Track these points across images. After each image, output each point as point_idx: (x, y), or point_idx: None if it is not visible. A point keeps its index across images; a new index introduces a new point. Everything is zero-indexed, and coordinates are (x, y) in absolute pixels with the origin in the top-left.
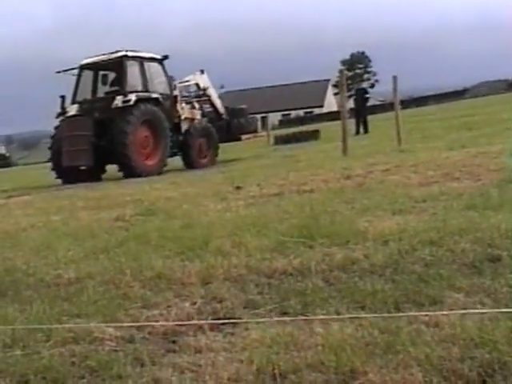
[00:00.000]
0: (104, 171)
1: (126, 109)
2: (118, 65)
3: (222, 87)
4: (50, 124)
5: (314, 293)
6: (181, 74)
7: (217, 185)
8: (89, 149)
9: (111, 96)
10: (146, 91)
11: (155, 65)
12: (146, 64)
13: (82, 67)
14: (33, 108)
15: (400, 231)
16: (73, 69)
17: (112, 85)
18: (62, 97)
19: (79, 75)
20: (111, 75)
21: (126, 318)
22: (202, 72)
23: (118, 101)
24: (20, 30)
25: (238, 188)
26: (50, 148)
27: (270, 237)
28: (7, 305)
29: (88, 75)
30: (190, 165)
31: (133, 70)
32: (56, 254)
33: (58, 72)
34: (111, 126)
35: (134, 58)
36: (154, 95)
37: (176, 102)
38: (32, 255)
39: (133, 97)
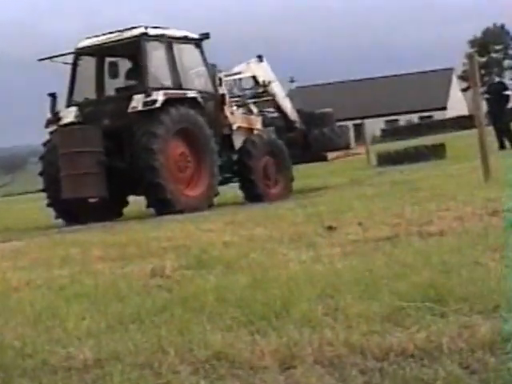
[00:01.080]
0: (125, 204)
1: (151, 114)
2: (133, 48)
3: (292, 81)
4: (39, 136)
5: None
6: (226, 62)
7: (297, 224)
8: (99, 172)
9: (126, 95)
10: (179, 88)
11: (190, 48)
12: (177, 47)
13: (80, 52)
14: (14, 116)
15: None
16: (66, 54)
17: (126, 78)
18: (53, 95)
19: (75, 64)
20: (124, 63)
21: None
22: (261, 59)
23: (138, 102)
24: None
25: (330, 229)
26: (40, 174)
27: (381, 300)
28: None
29: (88, 64)
30: (253, 196)
31: (157, 56)
32: (65, 324)
33: (42, 59)
34: (129, 139)
35: (157, 37)
36: (191, 94)
37: (224, 103)
38: (29, 326)
39: (159, 96)
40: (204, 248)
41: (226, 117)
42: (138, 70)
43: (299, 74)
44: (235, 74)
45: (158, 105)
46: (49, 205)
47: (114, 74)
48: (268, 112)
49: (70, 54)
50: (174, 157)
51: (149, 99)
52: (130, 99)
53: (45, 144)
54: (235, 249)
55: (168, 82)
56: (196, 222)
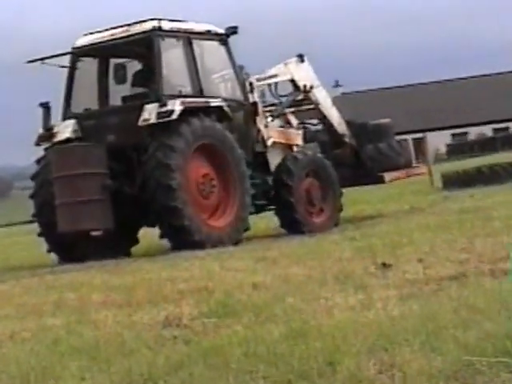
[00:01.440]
0: (134, 240)
1: (167, 127)
2: (144, 46)
3: (337, 86)
4: (27, 156)
5: None
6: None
7: (344, 261)
8: (103, 199)
9: (136, 104)
10: (200, 95)
11: (214, 46)
12: (197, 44)
13: (78, 52)
14: None
15: None
16: (62, 54)
17: (135, 83)
18: (45, 106)
19: (73, 67)
20: (132, 66)
21: None
22: (302, 59)
23: (150, 113)
24: None
25: (385, 266)
26: (31, 196)
27: (446, 354)
28: None
29: (89, 66)
30: (291, 222)
31: (172, 56)
32: None
33: (32, 61)
34: (140, 157)
35: (173, 32)
36: (215, 102)
37: (256, 114)
38: None
39: (176, 105)
40: (229, 291)
41: (259, 130)
42: (150, 74)
43: (344, 79)
44: (270, 77)
45: (174, 116)
46: (40, 234)
47: (121, 79)
48: (310, 124)
49: (66, 54)
50: (195, 178)
51: (163, 110)
52: (140, 110)
53: (38, 161)
54: (267, 292)
55: (187, 89)
56: (219, 259)
